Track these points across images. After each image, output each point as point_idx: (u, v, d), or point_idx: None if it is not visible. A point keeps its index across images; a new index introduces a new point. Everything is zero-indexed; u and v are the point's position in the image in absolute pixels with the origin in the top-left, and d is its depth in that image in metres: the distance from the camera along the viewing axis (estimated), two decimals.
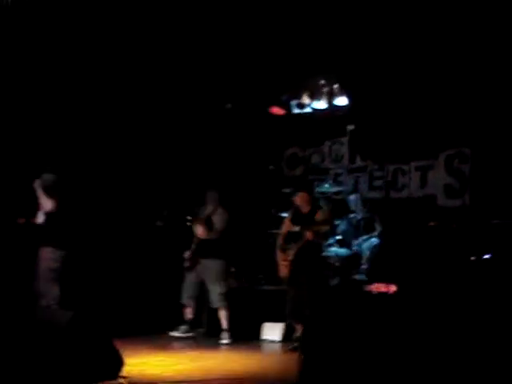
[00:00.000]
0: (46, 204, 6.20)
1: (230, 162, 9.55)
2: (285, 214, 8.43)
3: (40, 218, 6.30)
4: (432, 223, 7.54)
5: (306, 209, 6.82)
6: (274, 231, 8.56)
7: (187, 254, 7.39)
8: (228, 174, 9.21)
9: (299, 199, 6.87)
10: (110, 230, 8.14)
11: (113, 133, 8.30)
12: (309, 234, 6.50)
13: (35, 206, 6.31)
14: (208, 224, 7.26)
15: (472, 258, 7.05)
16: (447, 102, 8.41)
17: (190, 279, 7.39)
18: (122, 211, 8.38)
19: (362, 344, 4.75)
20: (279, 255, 6.88)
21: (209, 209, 7.37)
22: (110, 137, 8.31)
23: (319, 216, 6.69)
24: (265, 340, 7.40)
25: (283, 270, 6.78)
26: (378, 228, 8.39)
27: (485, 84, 7.95)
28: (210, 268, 7.25)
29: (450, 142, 8.60)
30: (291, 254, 6.68)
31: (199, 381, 5.04)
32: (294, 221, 6.86)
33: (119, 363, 4.45)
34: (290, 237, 6.77)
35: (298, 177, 10.05)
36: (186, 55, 8.30)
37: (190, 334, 7.45)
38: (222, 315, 7.25)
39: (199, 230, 7.25)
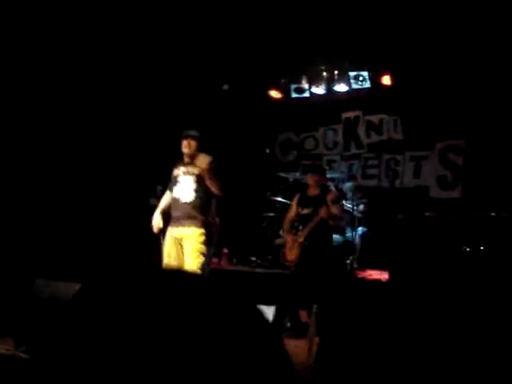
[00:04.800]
0: None
1: (224, 143, 9.46)
2: (279, 198, 8.44)
3: None
4: (428, 213, 7.54)
5: (315, 191, 6.49)
6: (268, 214, 8.54)
7: None
8: (223, 156, 9.11)
9: (311, 180, 6.54)
10: (102, 208, 8.04)
11: (110, 111, 8.19)
12: (323, 212, 6.09)
13: None
14: None
15: (467, 249, 7.09)
16: (444, 94, 8.44)
17: None
18: (114, 189, 8.27)
19: (363, 331, 4.77)
20: (288, 238, 6.52)
21: None
22: (106, 114, 8.19)
23: (331, 196, 6.36)
24: None
25: (291, 254, 6.38)
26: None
27: (481, 78, 7.99)
28: None
29: (445, 133, 8.64)
30: (302, 235, 6.30)
31: None
32: (301, 204, 6.50)
33: None
34: (300, 219, 6.43)
35: (291, 162, 10.01)
36: (184, 37, 8.18)
37: None
38: None
39: None
